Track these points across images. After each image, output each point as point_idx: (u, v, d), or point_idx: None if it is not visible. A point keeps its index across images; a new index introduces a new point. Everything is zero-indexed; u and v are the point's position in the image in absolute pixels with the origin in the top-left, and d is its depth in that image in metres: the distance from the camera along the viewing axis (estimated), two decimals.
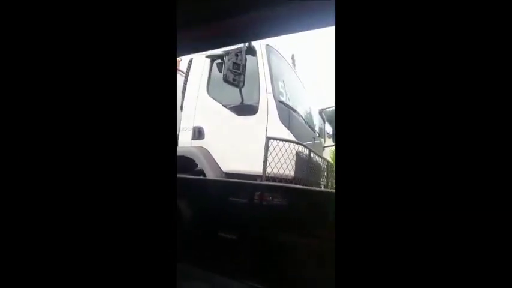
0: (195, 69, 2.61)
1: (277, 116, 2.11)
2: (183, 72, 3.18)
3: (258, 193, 1.90)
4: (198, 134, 2.38)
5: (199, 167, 2.43)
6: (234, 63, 1.95)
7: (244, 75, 2.02)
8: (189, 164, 2.49)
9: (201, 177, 2.19)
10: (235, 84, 2.01)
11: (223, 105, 2.31)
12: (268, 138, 1.93)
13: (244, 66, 2.03)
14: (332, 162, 3.21)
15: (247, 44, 2.12)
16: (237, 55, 2.00)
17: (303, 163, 2.21)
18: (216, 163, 2.24)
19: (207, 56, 2.51)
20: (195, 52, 0.80)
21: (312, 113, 3.26)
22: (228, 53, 2.01)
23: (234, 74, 1.97)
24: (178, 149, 2.48)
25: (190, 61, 2.69)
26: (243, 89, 2.13)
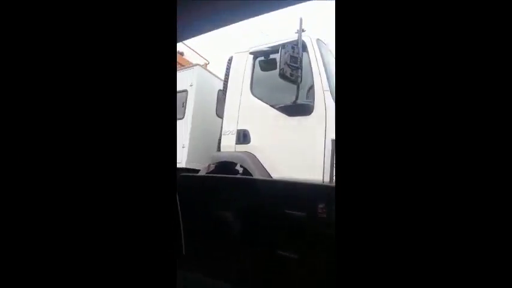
0: (235, 68, 2.40)
1: None
2: (212, 74, 3.00)
3: (321, 206, 1.65)
4: (243, 137, 2.16)
5: (240, 172, 2.21)
6: (291, 56, 1.73)
7: (301, 70, 1.79)
8: (231, 169, 2.28)
9: (256, 177, 1.94)
10: (293, 80, 1.77)
11: (270, 106, 2.09)
12: (334, 141, 1.68)
13: (301, 60, 1.80)
14: None
15: (299, 38, 1.90)
16: (293, 48, 1.77)
17: None
18: (265, 169, 2.01)
19: (251, 53, 2.30)
20: (195, 35, 0.78)
21: None
22: (284, 45, 1.79)
23: (292, 69, 1.74)
24: (221, 154, 2.27)
25: (230, 60, 2.49)
26: (289, 88, 1.90)
